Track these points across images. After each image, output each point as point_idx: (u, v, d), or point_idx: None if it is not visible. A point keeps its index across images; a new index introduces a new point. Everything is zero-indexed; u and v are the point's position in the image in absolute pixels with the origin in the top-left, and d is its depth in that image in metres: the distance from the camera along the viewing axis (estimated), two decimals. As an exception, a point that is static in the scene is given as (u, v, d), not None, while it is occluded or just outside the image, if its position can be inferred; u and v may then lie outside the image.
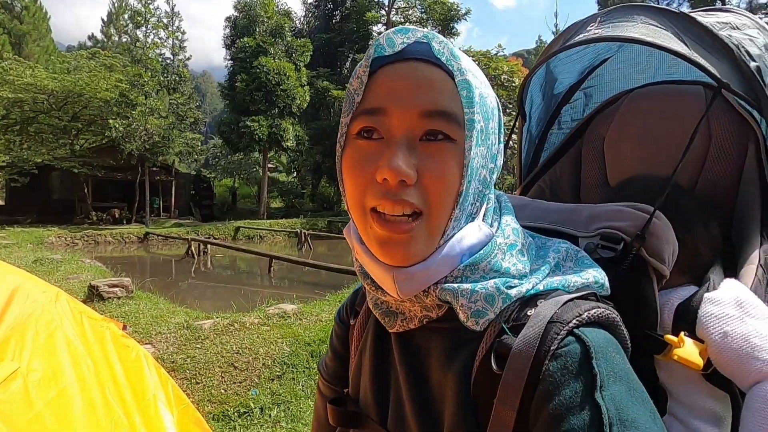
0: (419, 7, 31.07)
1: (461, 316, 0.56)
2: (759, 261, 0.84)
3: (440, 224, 0.55)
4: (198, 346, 4.34)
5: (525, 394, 0.50)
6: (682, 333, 0.70)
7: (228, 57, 25.95)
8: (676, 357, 0.68)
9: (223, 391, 3.75)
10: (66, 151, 20.70)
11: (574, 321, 0.52)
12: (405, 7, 31.53)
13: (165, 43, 25.83)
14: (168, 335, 4.59)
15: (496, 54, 25.27)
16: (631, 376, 0.51)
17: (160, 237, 19.21)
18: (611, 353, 0.51)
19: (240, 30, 24.96)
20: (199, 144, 27.15)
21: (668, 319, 0.76)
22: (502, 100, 24.56)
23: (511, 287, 0.56)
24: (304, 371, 4.01)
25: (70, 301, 1.90)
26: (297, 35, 28.34)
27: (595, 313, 0.54)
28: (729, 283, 0.79)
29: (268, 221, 23.30)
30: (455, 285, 0.55)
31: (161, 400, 2.07)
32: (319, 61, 28.30)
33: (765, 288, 0.83)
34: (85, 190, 21.93)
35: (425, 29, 0.56)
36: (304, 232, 18.56)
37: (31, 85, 18.13)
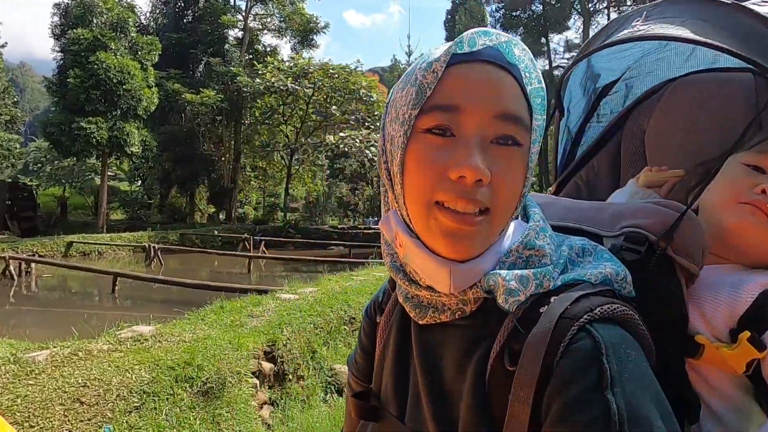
0: (278, 15, 30.72)
1: (500, 300, 0.55)
2: None
3: (503, 223, 0.58)
4: (31, 382, 3.67)
5: (537, 389, 0.50)
6: (744, 336, 0.65)
7: (57, 49, 22.78)
8: (723, 358, 0.63)
9: (66, 431, 3.22)
10: None
11: (585, 317, 0.52)
12: (263, 14, 30.91)
13: (-29, 26, 21.73)
14: (-12, 373, 3.81)
15: (355, 69, 26.02)
16: (647, 374, 0.51)
17: (-36, 256, 15.95)
18: (624, 350, 0.50)
19: (73, 19, 22.09)
20: (17, 146, 23.30)
21: (735, 306, 0.69)
22: (361, 114, 25.32)
23: (544, 278, 0.57)
24: (167, 399, 3.62)
25: None
26: (142, 32, 25.97)
27: (608, 308, 0.53)
28: None
29: (108, 235, 20.79)
30: (496, 270, 0.57)
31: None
32: (168, 61, 26.27)
33: None
34: None
35: (508, 35, 0.58)
36: (153, 246, 16.92)
37: None
